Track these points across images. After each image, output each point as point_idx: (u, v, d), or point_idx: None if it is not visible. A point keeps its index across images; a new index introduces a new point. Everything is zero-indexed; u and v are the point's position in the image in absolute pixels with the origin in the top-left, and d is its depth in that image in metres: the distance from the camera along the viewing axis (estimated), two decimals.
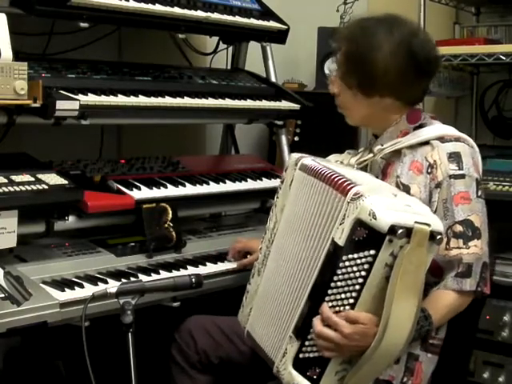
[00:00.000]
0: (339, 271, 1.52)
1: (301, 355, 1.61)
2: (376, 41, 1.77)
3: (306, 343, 1.60)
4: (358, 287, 1.51)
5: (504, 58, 2.70)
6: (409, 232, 1.47)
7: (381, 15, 1.84)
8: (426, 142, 1.82)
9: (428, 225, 1.49)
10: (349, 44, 1.82)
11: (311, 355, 1.60)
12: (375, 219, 1.46)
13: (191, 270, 2.10)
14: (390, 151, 1.84)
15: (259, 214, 2.67)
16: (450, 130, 1.85)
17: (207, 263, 2.17)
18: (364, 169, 1.91)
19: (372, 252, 1.48)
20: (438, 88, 3.05)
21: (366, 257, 1.49)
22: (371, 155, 1.88)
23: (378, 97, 1.81)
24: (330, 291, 1.55)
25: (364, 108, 1.85)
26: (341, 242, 1.52)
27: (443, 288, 1.73)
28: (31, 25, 2.25)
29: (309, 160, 1.80)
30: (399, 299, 1.48)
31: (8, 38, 1.88)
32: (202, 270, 2.11)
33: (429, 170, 1.78)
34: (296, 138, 2.90)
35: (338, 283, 1.53)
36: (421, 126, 1.85)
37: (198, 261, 2.18)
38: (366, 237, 1.49)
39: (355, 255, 1.50)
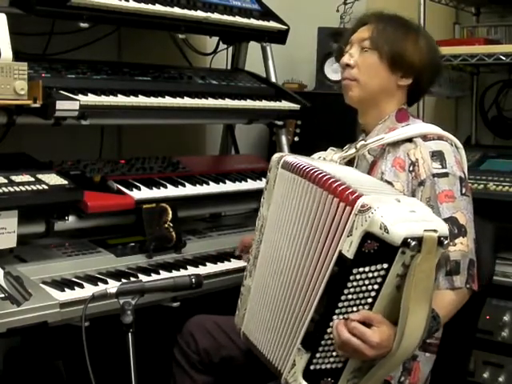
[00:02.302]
0: (350, 284, 1.49)
1: (312, 367, 1.57)
2: (413, 32, 1.88)
3: (317, 355, 1.56)
4: (370, 300, 1.49)
5: (504, 58, 2.70)
6: (420, 242, 1.45)
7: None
8: (409, 140, 1.84)
9: (435, 231, 1.47)
10: (392, 20, 1.89)
11: (323, 366, 1.56)
12: (387, 233, 1.43)
13: (191, 270, 2.10)
14: (376, 147, 1.87)
15: None
16: (433, 129, 1.87)
17: (207, 263, 2.17)
18: (348, 164, 1.92)
19: (385, 265, 1.46)
20: (438, 88, 3.04)
21: (378, 270, 1.47)
22: (354, 150, 1.89)
23: (401, 75, 1.87)
24: (340, 304, 1.51)
25: (380, 80, 1.87)
26: (350, 254, 1.48)
27: (436, 289, 1.71)
28: (31, 25, 2.25)
29: (291, 157, 1.79)
30: (414, 308, 1.47)
31: (8, 38, 1.87)
32: (201, 270, 2.11)
33: (411, 168, 1.80)
34: (296, 138, 2.91)
35: (349, 296, 1.50)
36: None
37: (197, 261, 2.18)
38: (378, 249, 1.46)
39: (366, 268, 1.47)
